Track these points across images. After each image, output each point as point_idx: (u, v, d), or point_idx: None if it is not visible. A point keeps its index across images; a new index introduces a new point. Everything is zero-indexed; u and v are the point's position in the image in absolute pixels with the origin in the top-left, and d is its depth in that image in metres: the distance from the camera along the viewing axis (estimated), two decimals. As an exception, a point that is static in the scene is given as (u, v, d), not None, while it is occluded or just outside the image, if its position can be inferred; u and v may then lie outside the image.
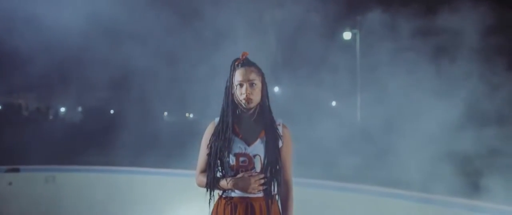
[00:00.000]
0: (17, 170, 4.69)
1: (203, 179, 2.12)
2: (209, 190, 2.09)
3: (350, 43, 16.18)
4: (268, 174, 2.05)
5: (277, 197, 2.13)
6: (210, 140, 2.12)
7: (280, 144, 2.11)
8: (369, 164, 6.94)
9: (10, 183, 4.64)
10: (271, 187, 2.07)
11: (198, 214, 4.31)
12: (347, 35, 16.33)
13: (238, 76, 2.08)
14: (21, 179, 4.70)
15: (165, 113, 29.42)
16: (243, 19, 5.92)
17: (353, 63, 15.02)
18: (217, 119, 2.16)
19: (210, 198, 2.10)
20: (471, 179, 4.60)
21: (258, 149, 2.06)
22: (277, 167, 2.07)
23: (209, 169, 2.09)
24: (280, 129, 2.13)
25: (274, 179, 2.07)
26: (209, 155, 2.11)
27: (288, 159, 2.14)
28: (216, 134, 2.10)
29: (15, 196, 4.61)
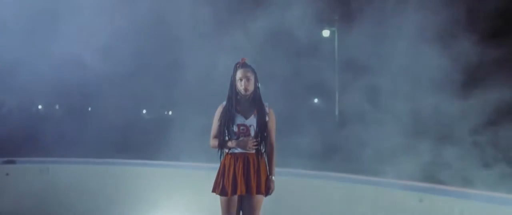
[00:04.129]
0: (13, 162, 4.88)
1: (215, 142, 3.15)
2: (219, 148, 3.12)
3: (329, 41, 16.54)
4: (259, 139, 3.11)
5: (264, 153, 3.15)
6: (220, 115, 3.14)
7: (267, 119, 3.13)
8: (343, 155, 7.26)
9: (7, 174, 4.82)
10: (261, 147, 3.11)
11: (190, 203, 4.58)
12: (325, 33, 16.74)
13: (239, 74, 3.12)
14: (17, 170, 4.89)
15: (144, 111, 29.25)
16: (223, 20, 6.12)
17: (332, 61, 15.32)
18: (224, 103, 3.17)
19: (221, 155, 3.14)
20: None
21: (252, 121, 3.10)
22: (265, 134, 3.12)
23: (219, 134, 3.12)
24: (267, 109, 3.15)
25: (263, 142, 3.12)
26: (219, 125, 3.12)
27: (272, 129, 3.17)
28: (224, 111, 3.13)
29: (12, 187, 4.79)
